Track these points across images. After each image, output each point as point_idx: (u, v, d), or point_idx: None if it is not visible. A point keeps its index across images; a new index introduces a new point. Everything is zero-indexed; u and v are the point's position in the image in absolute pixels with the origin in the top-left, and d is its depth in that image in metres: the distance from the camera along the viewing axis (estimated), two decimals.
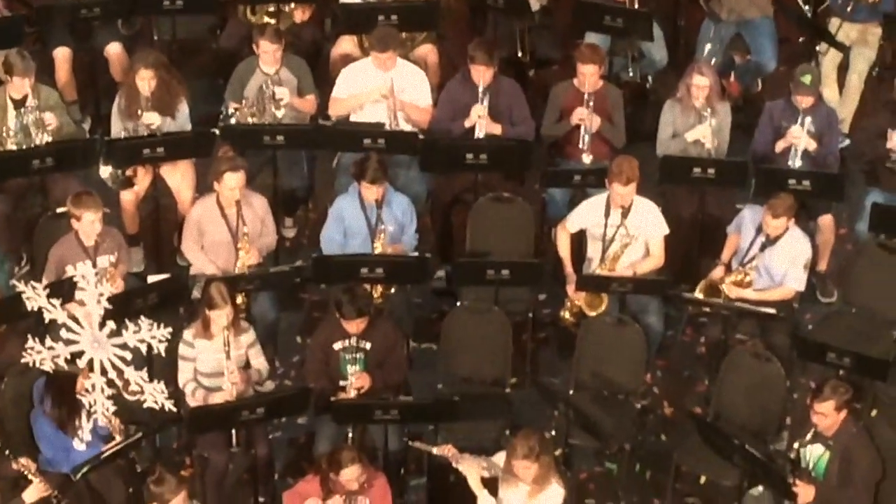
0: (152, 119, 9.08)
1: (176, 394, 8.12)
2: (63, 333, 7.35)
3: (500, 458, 7.62)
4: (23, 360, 7.52)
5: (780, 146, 8.99)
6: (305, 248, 9.29)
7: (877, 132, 9.17)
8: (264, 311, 8.68)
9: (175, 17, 10.07)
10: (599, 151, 9.12)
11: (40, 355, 7.35)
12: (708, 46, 9.94)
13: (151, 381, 7.33)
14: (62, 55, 9.94)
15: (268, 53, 9.20)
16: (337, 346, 8.14)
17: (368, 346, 8.13)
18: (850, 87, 9.97)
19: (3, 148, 9.04)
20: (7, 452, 7.65)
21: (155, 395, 7.28)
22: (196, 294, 8.37)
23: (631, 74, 10.08)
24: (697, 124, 9.09)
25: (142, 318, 7.24)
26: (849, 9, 9.74)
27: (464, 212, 9.19)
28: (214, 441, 8.24)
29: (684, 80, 9.21)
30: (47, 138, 9.04)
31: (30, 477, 7.54)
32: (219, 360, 8.11)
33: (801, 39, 10.31)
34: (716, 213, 9.04)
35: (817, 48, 10.08)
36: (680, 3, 10.43)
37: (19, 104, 9.06)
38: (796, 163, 8.93)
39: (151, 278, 8.72)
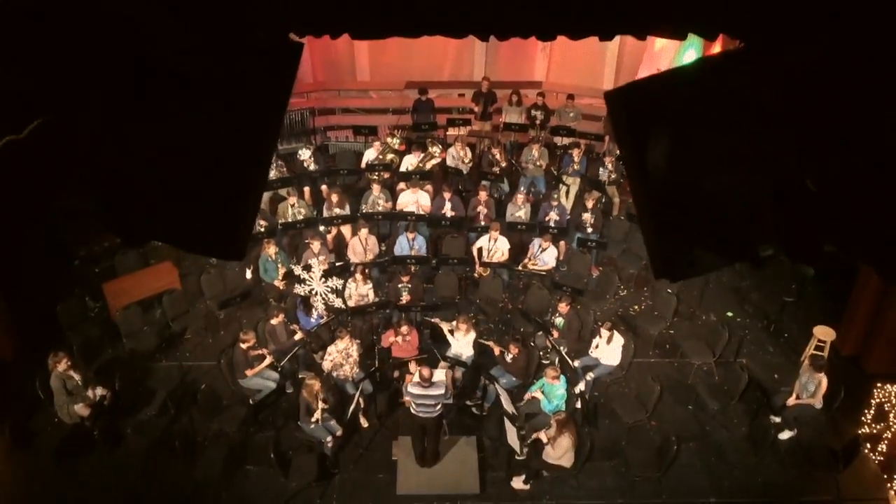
0: (337, 210, 9.20)
1: (346, 302, 8.08)
2: (306, 282, 7.55)
3: (454, 324, 7.68)
4: (293, 292, 7.87)
5: (548, 218, 9.18)
6: (387, 254, 9.11)
7: (579, 214, 9.28)
8: (375, 274, 8.79)
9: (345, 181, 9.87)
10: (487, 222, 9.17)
11: (300, 288, 7.68)
12: (522, 186, 9.93)
13: (337, 297, 7.65)
14: (306, 190, 9.75)
15: (375, 191, 9.34)
16: (400, 284, 8.28)
17: (411, 284, 8.27)
18: (570, 197, 10.05)
19: (286, 220, 9.12)
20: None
21: (338, 303, 7.62)
22: (351, 269, 8.50)
23: (497, 195, 10.05)
24: (519, 212, 9.33)
25: (333, 276, 7.66)
26: (570, 171, 9.89)
27: (442, 241, 9.24)
28: (356, 319, 8.24)
29: (513, 197, 9.38)
30: (300, 217, 9.15)
31: (295, 331, 7.66)
32: (355, 292, 8.14)
33: (553, 182, 10.18)
34: (526, 241, 9.12)
35: (561, 184, 10.03)
36: (512, 170, 10.34)
37: (293, 205, 9.11)
38: (552, 225, 9.07)
39: (336, 264, 8.67)
